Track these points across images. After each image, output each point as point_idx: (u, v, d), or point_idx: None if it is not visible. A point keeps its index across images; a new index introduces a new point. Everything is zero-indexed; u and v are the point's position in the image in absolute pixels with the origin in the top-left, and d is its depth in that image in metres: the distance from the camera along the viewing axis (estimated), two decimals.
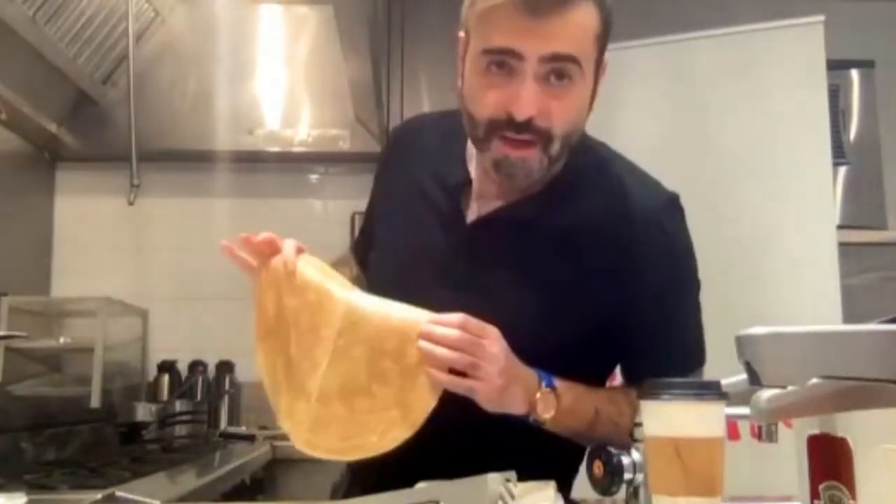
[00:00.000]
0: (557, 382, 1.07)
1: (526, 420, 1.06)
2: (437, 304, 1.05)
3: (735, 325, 0.68)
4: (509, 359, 1.03)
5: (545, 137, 1.05)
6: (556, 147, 1.07)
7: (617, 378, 1.23)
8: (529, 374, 1.06)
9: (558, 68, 1.03)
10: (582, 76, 1.05)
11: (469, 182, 1.18)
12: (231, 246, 1.10)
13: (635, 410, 0.98)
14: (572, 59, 1.03)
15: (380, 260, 1.27)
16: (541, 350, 1.07)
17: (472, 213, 1.17)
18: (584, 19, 1.03)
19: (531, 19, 1.00)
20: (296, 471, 2.62)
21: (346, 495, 1.26)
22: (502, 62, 1.03)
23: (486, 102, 1.05)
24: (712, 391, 0.80)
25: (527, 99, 1.02)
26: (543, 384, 1.05)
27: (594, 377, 1.17)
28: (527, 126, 1.04)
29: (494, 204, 1.16)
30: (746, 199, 2.39)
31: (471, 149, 1.18)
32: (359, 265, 1.38)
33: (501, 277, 1.13)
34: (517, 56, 1.02)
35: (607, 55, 1.11)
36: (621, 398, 1.13)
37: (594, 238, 1.13)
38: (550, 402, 1.05)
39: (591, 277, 1.11)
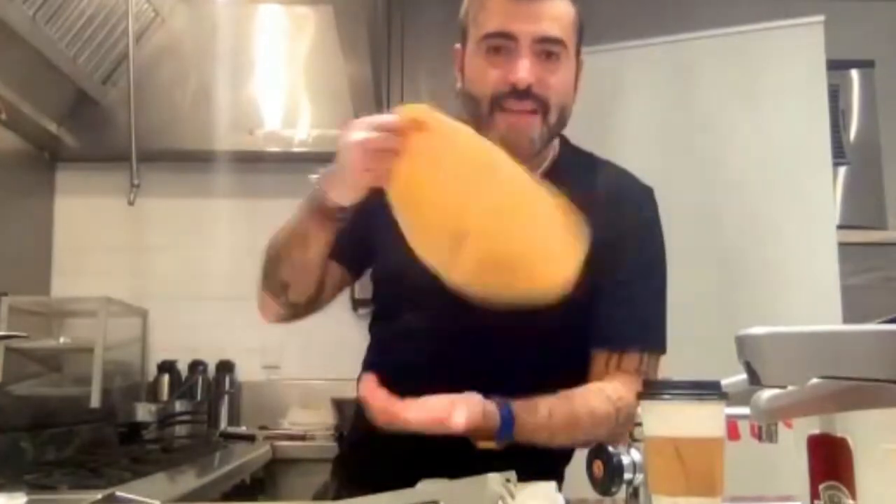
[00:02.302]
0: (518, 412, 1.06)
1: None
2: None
3: (735, 325, 0.68)
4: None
5: (544, 106, 1.18)
6: (553, 117, 1.20)
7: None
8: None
9: (548, 49, 1.18)
10: (568, 57, 1.21)
11: None
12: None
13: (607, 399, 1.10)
14: (559, 41, 1.18)
15: (391, 250, 1.27)
16: (538, 320, 1.10)
17: None
18: (565, 7, 1.20)
19: (523, 4, 1.16)
20: (296, 471, 2.62)
21: (337, 497, 1.27)
22: (499, 45, 1.18)
23: (488, 80, 1.18)
24: (712, 391, 0.80)
25: (526, 69, 1.16)
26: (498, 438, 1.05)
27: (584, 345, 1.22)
28: (527, 93, 1.16)
29: None
30: (747, 199, 2.39)
31: None
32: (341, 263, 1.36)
33: None
34: (512, 38, 1.16)
35: (584, 57, 1.25)
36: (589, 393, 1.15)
37: (585, 213, 1.17)
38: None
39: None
